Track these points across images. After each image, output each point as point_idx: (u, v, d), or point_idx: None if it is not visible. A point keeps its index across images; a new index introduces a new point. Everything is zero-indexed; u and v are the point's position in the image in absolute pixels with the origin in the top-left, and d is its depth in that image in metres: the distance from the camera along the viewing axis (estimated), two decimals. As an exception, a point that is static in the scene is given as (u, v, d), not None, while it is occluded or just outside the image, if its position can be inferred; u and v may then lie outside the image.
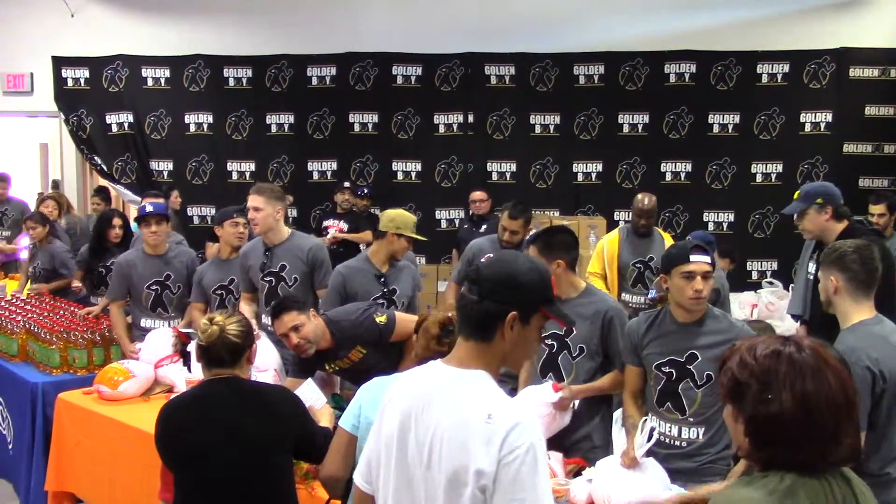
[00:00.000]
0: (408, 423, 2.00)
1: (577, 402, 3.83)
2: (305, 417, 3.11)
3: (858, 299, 3.23)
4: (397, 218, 4.85)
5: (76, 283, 6.61)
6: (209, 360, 2.99)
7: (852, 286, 3.23)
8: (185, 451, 2.93)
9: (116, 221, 6.31)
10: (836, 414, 1.64)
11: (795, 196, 4.72)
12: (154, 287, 5.39)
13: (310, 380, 3.89)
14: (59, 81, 10.01)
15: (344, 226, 8.59)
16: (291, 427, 2.98)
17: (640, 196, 6.34)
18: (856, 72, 9.35)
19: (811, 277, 4.76)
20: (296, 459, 3.12)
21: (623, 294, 6.27)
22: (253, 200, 4.95)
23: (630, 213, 6.61)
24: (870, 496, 1.75)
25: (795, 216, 4.72)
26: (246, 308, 4.91)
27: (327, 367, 4.15)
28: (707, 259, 3.40)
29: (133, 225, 6.45)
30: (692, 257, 3.38)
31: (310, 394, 3.73)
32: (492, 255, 2.12)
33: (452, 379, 1.99)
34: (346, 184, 9.12)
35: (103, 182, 10.20)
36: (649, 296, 5.91)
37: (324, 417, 3.45)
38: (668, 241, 6.25)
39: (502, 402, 1.95)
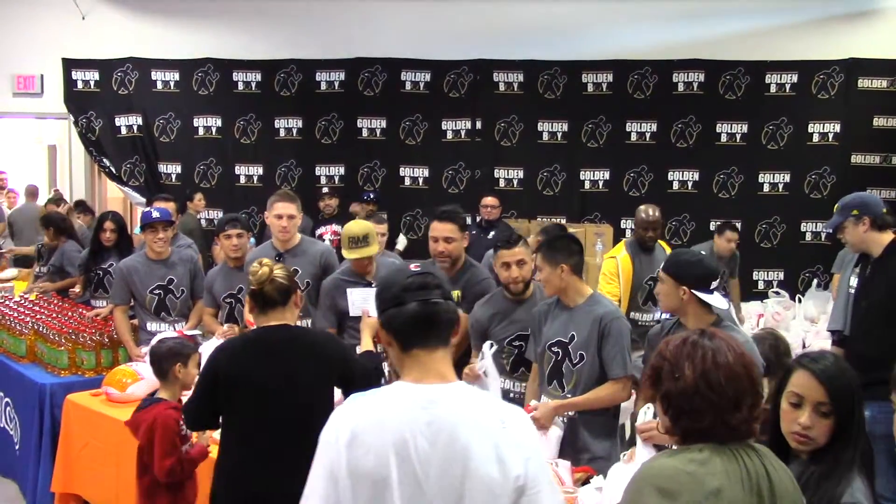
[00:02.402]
0: (405, 453, 1.88)
1: (574, 412, 3.82)
2: (347, 356, 3.35)
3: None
4: (343, 232, 4.63)
5: (74, 289, 6.65)
6: (263, 303, 3.16)
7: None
8: (242, 393, 3.06)
9: (108, 225, 6.30)
10: (734, 385, 1.92)
11: (835, 209, 4.57)
12: (157, 291, 5.38)
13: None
14: (68, 83, 10.07)
15: (338, 228, 8.57)
16: (336, 366, 3.19)
17: (644, 208, 5.91)
18: (864, 83, 9.34)
19: (852, 292, 4.62)
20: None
21: (632, 313, 5.73)
22: (287, 208, 4.98)
23: (634, 226, 6.12)
24: (784, 474, 1.95)
25: (837, 231, 4.60)
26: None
27: None
28: None
29: (137, 229, 6.45)
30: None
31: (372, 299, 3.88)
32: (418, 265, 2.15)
33: (447, 397, 1.94)
34: (326, 189, 9.16)
35: (112, 184, 10.27)
36: (661, 316, 5.63)
37: (368, 329, 3.75)
38: (668, 250, 5.93)
39: (501, 405, 2.01)
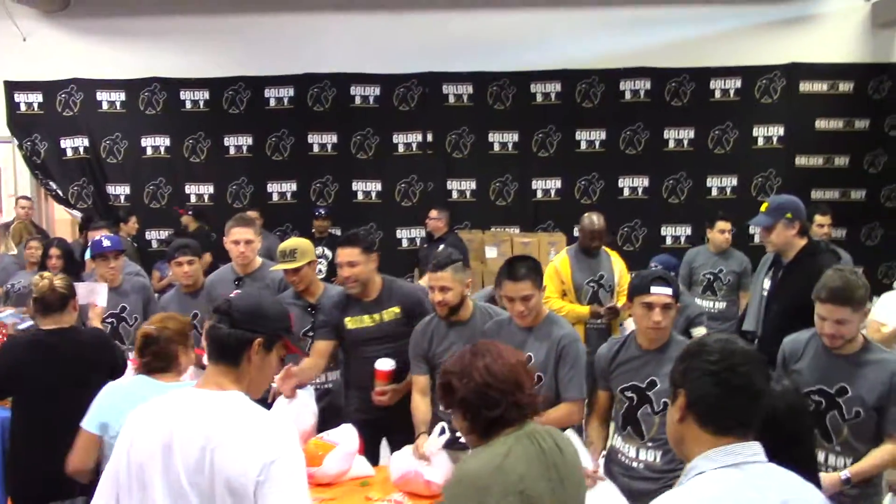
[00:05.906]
0: (170, 445, 2.18)
1: None
2: (115, 351, 4.10)
3: None
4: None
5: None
6: (44, 308, 3.79)
7: None
8: (24, 386, 3.76)
9: (54, 251, 6.20)
10: (514, 372, 2.35)
11: (763, 208, 4.56)
12: (110, 320, 5.24)
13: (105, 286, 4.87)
14: (11, 106, 9.87)
15: (328, 251, 8.39)
16: (105, 362, 3.91)
17: (589, 216, 6.00)
18: (806, 86, 9.54)
19: (765, 294, 4.71)
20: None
21: None
22: (243, 233, 4.93)
23: (578, 233, 6.16)
24: (570, 448, 2.44)
25: (760, 229, 4.60)
26: None
27: (348, 323, 4.37)
28: (667, 291, 3.46)
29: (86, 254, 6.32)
30: (652, 289, 3.45)
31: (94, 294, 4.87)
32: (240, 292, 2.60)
33: (213, 401, 2.24)
34: (322, 211, 9.08)
35: (59, 207, 10.07)
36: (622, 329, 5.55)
37: (96, 318, 4.83)
38: (615, 257, 6.09)
39: (263, 417, 2.25)
